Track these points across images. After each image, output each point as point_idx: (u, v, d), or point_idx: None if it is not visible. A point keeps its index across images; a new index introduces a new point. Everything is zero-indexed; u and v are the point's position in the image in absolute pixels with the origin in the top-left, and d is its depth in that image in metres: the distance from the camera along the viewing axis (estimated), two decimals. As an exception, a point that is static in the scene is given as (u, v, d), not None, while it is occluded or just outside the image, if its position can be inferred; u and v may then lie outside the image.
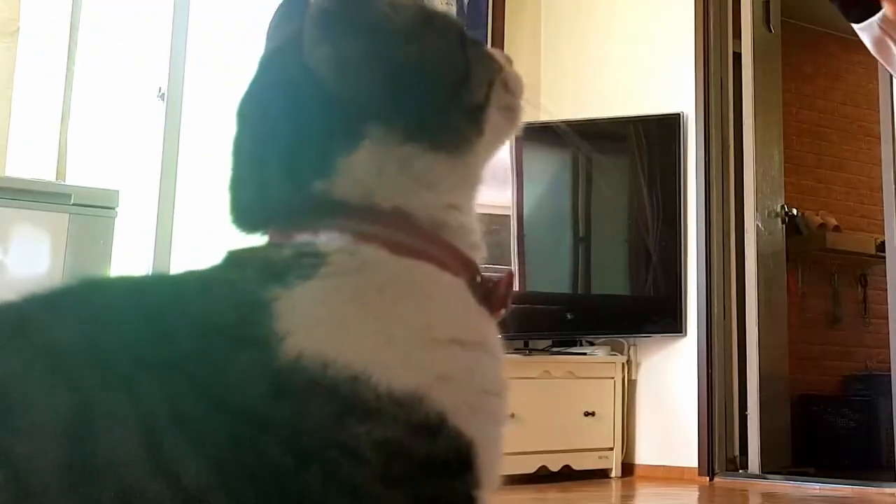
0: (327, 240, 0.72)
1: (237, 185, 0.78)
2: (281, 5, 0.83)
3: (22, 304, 0.69)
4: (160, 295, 0.71)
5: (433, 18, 0.80)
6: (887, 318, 3.66)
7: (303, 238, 0.72)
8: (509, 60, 0.86)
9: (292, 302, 0.66)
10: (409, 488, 0.64)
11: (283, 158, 0.75)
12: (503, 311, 0.78)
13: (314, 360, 0.63)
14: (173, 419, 0.61)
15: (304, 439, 0.62)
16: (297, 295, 0.67)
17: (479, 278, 0.77)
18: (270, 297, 0.66)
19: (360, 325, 0.66)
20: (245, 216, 0.78)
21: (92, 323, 0.67)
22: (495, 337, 0.75)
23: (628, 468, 4.15)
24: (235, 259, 0.74)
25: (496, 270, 0.82)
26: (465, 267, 0.76)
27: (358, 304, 0.67)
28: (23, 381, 0.62)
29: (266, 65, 0.80)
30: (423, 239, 0.74)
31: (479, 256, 0.79)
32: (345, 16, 0.75)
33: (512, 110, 0.83)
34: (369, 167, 0.73)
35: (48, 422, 0.61)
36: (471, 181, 0.80)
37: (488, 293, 0.77)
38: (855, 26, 1.73)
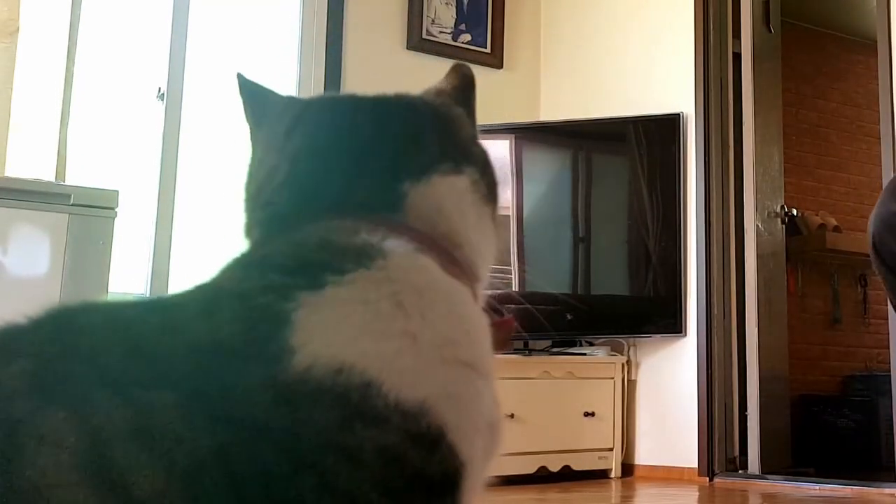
0: (395, 243, 0.73)
1: (298, 177, 0.78)
2: None
3: None
4: (147, 318, 0.68)
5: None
6: (887, 318, 3.66)
7: (376, 231, 0.73)
8: None
9: (319, 305, 0.65)
10: (400, 500, 0.63)
11: (376, 161, 0.78)
12: (500, 352, 0.81)
13: (327, 366, 0.62)
14: (133, 434, 0.58)
15: (303, 445, 0.61)
16: (329, 295, 0.66)
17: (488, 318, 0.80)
18: (292, 307, 0.65)
19: (386, 327, 0.66)
20: (308, 199, 0.77)
21: (52, 350, 0.64)
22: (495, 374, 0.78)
23: (628, 468, 4.14)
24: (261, 255, 0.73)
25: (497, 272, 0.85)
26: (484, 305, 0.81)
27: (393, 302, 0.67)
28: None
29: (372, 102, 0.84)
30: (464, 270, 0.78)
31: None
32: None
33: None
34: (444, 194, 0.79)
35: None
36: (492, 251, 0.85)
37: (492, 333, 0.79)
38: None
